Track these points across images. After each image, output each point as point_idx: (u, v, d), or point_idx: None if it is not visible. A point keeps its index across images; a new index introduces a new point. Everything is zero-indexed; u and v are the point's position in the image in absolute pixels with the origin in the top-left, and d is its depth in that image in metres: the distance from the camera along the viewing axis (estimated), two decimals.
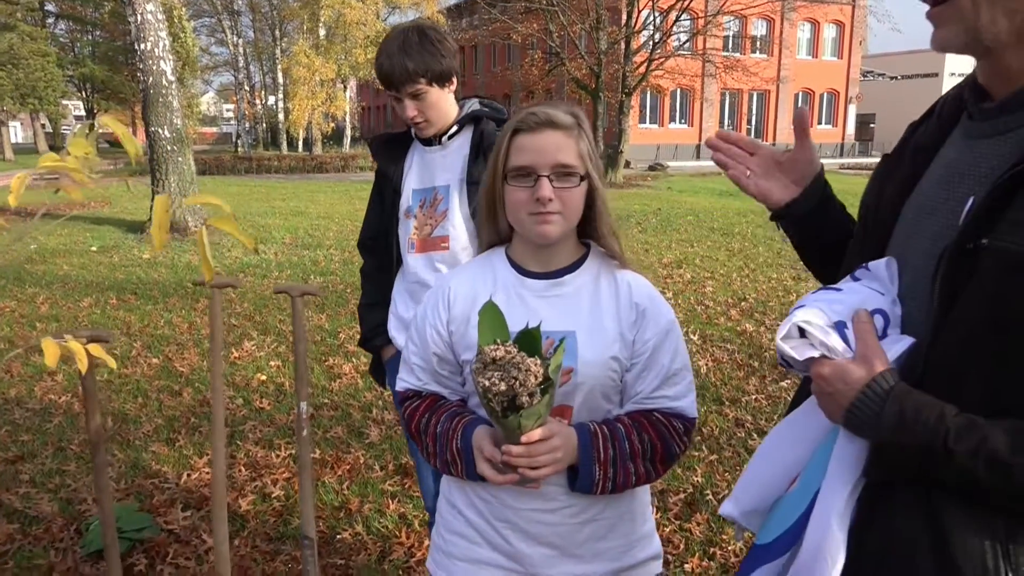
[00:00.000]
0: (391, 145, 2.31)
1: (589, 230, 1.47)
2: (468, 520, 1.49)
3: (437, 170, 2.20)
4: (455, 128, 2.19)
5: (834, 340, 1.00)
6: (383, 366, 2.48)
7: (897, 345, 1.00)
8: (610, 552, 1.47)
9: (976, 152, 1.00)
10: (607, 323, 1.42)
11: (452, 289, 1.50)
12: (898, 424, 0.92)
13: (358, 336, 6.05)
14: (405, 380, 1.55)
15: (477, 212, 1.81)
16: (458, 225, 2.17)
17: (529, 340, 1.26)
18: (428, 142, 2.23)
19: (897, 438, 0.92)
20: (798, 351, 1.03)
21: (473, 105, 2.25)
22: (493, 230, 1.50)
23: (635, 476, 1.41)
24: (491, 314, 1.31)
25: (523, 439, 1.28)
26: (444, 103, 2.14)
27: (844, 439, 1.02)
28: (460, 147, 2.19)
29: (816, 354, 1.01)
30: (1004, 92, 0.98)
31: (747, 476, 1.19)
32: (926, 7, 0.98)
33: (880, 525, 0.98)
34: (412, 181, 2.25)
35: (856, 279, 1.09)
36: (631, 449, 1.39)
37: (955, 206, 0.98)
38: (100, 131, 1.50)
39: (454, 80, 2.14)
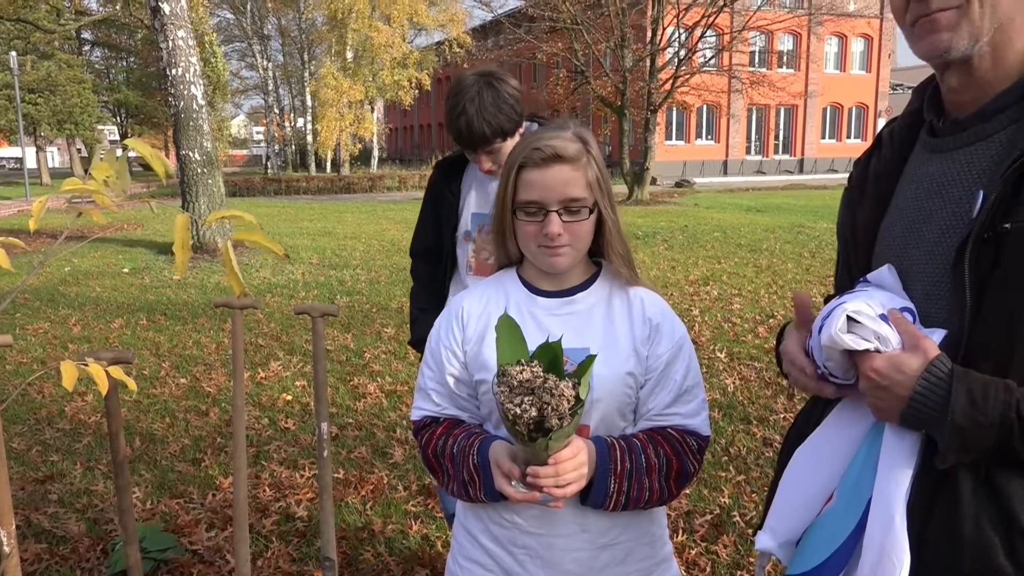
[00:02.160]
0: (452, 167, 2.40)
1: (600, 250, 1.46)
2: (485, 548, 1.47)
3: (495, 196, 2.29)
4: None
5: (886, 329, 1.00)
6: None
7: (933, 336, 1.01)
8: None
9: (960, 161, 1.06)
10: (621, 339, 1.41)
11: (465, 309, 1.49)
12: (970, 403, 0.94)
13: (383, 355, 6.07)
14: (422, 408, 1.51)
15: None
16: None
17: (550, 355, 1.21)
18: None
19: (972, 417, 0.93)
20: (855, 343, 1.01)
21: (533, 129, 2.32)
22: (504, 255, 1.49)
23: (649, 492, 1.37)
24: (508, 328, 1.28)
25: (552, 460, 1.25)
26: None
27: (892, 437, 1.02)
28: None
29: (871, 347, 1.01)
30: (971, 102, 1.06)
31: (780, 505, 1.16)
32: (930, 11, 1.02)
33: (942, 514, 0.99)
34: (471, 204, 2.33)
35: (864, 291, 1.10)
36: (647, 464, 1.37)
37: (955, 208, 1.05)
38: (133, 154, 1.52)
39: (524, 125, 2.21)
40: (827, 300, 1.39)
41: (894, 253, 1.13)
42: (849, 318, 1.02)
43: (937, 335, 1.01)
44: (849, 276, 1.20)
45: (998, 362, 0.97)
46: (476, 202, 2.34)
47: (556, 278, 1.45)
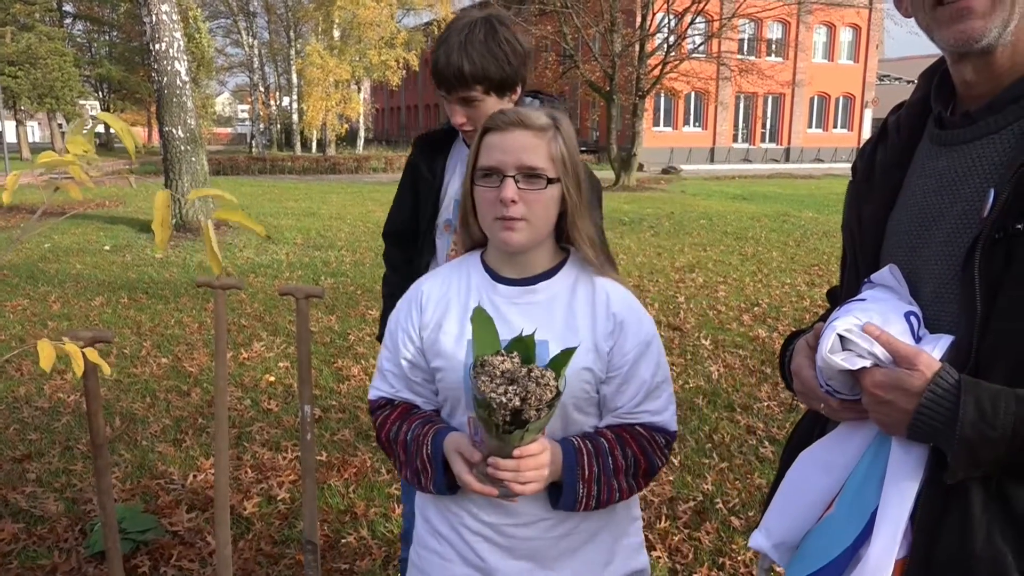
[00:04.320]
0: (434, 144, 2.10)
1: (568, 236, 1.41)
2: (442, 536, 1.45)
3: None
4: None
5: (879, 347, 0.97)
6: None
7: (940, 343, 0.97)
8: (589, 566, 1.42)
9: (970, 155, 1.02)
10: (581, 333, 1.37)
11: (424, 293, 1.46)
12: (980, 416, 0.90)
13: (368, 337, 6.01)
14: (378, 388, 1.51)
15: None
16: None
17: (523, 349, 1.22)
18: None
19: (981, 430, 0.89)
20: (849, 362, 0.98)
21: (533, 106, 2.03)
22: (467, 234, 1.45)
23: (619, 492, 1.37)
24: (482, 321, 1.27)
25: (516, 453, 1.23)
26: None
27: (899, 450, 0.99)
28: None
29: (868, 363, 0.97)
30: (985, 94, 1.01)
31: (778, 506, 1.15)
32: None
33: (952, 528, 0.95)
34: (455, 189, 2.05)
35: (863, 299, 1.06)
36: (615, 465, 1.35)
37: (965, 206, 1.00)
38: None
39: (518, 89, 1.89)
40: (829, 295, 1.37)
41: (902, 252, 1.09)
42: (841, 336, 0.99)
43: (944, 342, 0.97)
44: (856, 273, 1.16)
45: (1010, 369, 0.93)
46: (461, 186, 2.18)
47: (519, 264, 1.40)
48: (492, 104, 1.85)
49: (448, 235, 2.06)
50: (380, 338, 2.28)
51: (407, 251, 2.20)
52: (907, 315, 1.01)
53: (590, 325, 1.37)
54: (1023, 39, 0.97)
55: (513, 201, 1.30)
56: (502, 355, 1.20)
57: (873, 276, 1.09)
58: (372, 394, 1.52)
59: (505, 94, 1.86)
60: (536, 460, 1.26)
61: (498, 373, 1.17)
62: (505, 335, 1.27)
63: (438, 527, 1.45)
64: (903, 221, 1.10)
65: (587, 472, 1.33)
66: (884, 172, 1.15)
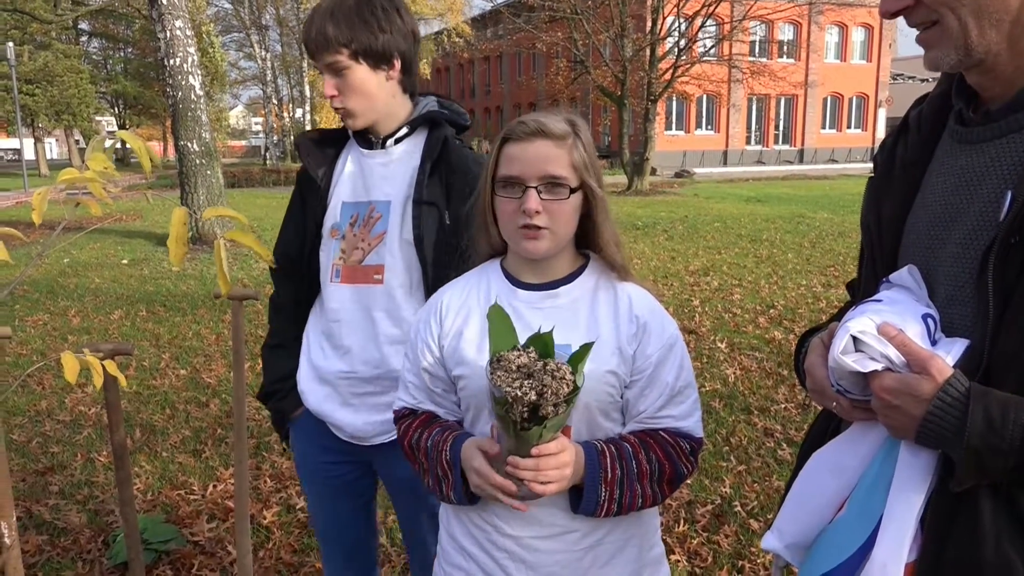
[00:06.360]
0: (321, 144, 1.86)
1: (588, 241, 1.41)
2: (467, 552, 1.43)
3: (376, 180, 1.77)
4: (404, 131, 1.76)
5: (892, 350, 0.96)
6: (286, 421, 1.95)
7: (955, 348, 0.96)
8: None
9: (989, 153, 1.00)
10: (604, 336, 1.35)
11: (444, 302, 1.46)
12: (988, 426, 0.89)
13: None
14: (401, 399, 1.51)
15: (471, 224, 1.59)
16: (397, 253, 1.73)
17: (541, 345, 1.20)
18: (368, 143, 1.79)
19: (989, 440, 0.89)
20: (860, 364, 0.97)
21: (430, 104, 1.83)
22: (487, 242, 1.45)
23: (641, 498, 1.34)
24: (498, 317, 1.26)
25: (535, 451, 1.21)
26: (375, 90, 1.71)
27: (908, 455, 0.98)
28: (408, 155, 1.76)
29: (879, 367, 0.96)
30: (1002, 93, 0.99)
31: (790, 508, 1.14)
32: (916, 32, 1.00)
33: (961, 536, 0.94)
34: (343, 191, 1.81)
35: (879, 300, 1.05)
36: (639, 469, 1.32)
37: (983, 207, 0.98)
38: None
39: (396, 64, 1.71)
40: (849, 288, 1.37)
41: (919, 252, 1.07)
42: (855, 337, 0.98)
43: (959, 346, 0.96)
44: (874, 272, 1.15)
45: (1022, 376, 0.91)
46: (351, 187, 1.80)
47: (540, 270, 1.40)
48: (363, 74, 1.68)
49: (335, 240, 1.80)
50: (262, 399, 1.99)
51: (297, 286, 1.90)
52: (924, 317, 0.99)
53: (613, 327, 1.36)
54: (1020, 43, 0.95)
55: (537, 212, 1.31)
56: (519, 350, 1.18)
57: (891, 276, 1.08)
58: (395, 404, 1.52)
59: (380, 66, 1.69)
60: (557, 459, 1.23)
61: (514, 368, 1.15)
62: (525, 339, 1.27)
63: (464, 543, 1.44)
64: (921, 219, 1.08)
65: (610, 475, 1.30)
66: (904, 168, 1.13)
